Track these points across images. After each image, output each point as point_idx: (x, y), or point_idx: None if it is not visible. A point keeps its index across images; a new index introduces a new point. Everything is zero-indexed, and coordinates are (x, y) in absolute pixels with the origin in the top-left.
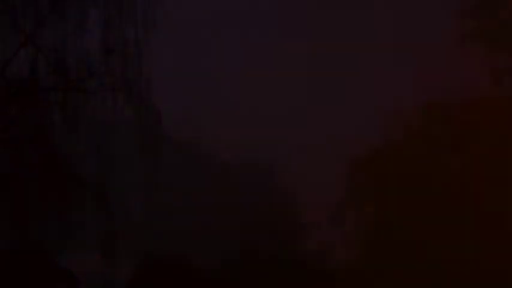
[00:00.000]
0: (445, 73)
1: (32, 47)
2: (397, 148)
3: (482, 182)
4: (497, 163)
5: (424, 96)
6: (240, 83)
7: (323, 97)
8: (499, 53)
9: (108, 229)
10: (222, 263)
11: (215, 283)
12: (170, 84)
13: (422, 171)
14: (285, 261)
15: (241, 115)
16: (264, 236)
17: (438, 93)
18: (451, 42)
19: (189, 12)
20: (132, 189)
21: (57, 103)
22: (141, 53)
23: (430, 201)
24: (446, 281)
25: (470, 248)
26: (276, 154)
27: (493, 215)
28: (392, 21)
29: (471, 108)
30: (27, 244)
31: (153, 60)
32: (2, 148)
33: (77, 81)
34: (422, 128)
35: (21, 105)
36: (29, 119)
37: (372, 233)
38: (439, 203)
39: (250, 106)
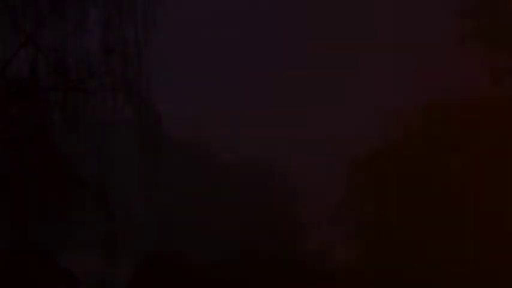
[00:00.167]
0: (445, 73)
1: (32, 47)
2: (397, 148)
3: (482, 182)
4: (497, 163)
5: (424, 96)
6: (240, 83)
7: (323, 97)
8: (499, 53)
9: (108, 229)
10: (222, 262)
11: (215, 283)
12: (170, 84)
13: (422, 171)
14: (285, 261)
15: (241, 115)
16: (264, 236)
17: (438, 93)
18: (451, 42)
19: (189, 12)
20: (132, 189)
21: (57, 103)
22: (141, 53)
23: (430, 201)
24: (446, 281)
25: (470, 247)
26: (276, 154)
27: (493, 214)
28: (392, 21)
29: (471, 108)
30: (27, 244)
31: (153, 60)
32: (2, 148)
33: (77, 81)
34: (422, 128)
35: (21, 105)
36: (29, 119)
37: (372, 233)
38: (439, 203)
39: (250, 106)
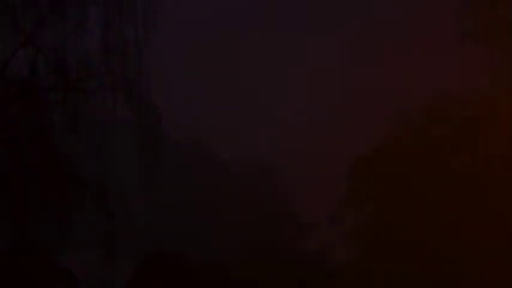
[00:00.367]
0: (445, 73)
1: (32, 47)
2: (397, 148)
3: (482, 182)
4: (497, 163)
5: (425, 96)
6: (240, 83)
7: (323, 97)
8: (499, 53)
9: (108, 229)
10: (222, 262)
11: (215, 283)
12: (170, 84)
13: (422, 171)
14: (285, 261)
15: (241, 115)
16: (264, 236)
17: (438, 93)
18: (451, 42)
19: (189, 12)
20: (132, 189)
21: (57, 103)
22: (141, 53)
23: (430, 201)
24: (446, 281)
25: (470, 247)
26: (276, 154)
27: (493, 214)
28: (392, 21)
29: (471, 108)
30: (27, 244)
31: (153, 60)
32: (2, 148)
33: (77, 81)
34: (422, 128)
35: (21, 105)
36: (29, 119)
37: (372, 233)
38: (439, 203)
39: (250, 106)
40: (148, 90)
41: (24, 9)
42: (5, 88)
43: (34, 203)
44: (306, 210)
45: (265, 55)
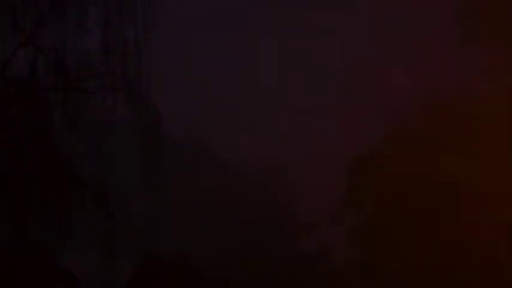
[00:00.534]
0: (445, 73)
1: (32, 47)
2: (397, 148)
3: (482, 182)
4: (497, 163)
5: (424, 96)
6: (240, 83)
7: (323, 97)
8: (498, 53)
9: (108, 229)
10: (222, 262)
11: (215, 283)
12: (170, 84)
13: (422, 171)
14: (284, 261)
15: (241, 115)
16: (264, 236)
17: (438, 93)
18: (451, 42)
19: (189, 12)
20: (132, 189)
21: (57, 103)
22: (141, 53)
23: (430, 201)
24: (446, 280)
25: (470, 247)
26: (276, 154)
27: (493, 214)
28: (392, 21)
29: (470, 108)
30: (27, 244)
31: (153, 60)
32: (2, 148)
33: (77, 81)
34: (422, 128)
35: (21, 105)
36: (29, 119)
37: (372, 233)
38: (438, 203)
39: (250, 106)
40: (148, 90)
41: (24, 9)
42: (5, 88)
43: (34, 203)
44: (306, 210)
45: (265, 55)
